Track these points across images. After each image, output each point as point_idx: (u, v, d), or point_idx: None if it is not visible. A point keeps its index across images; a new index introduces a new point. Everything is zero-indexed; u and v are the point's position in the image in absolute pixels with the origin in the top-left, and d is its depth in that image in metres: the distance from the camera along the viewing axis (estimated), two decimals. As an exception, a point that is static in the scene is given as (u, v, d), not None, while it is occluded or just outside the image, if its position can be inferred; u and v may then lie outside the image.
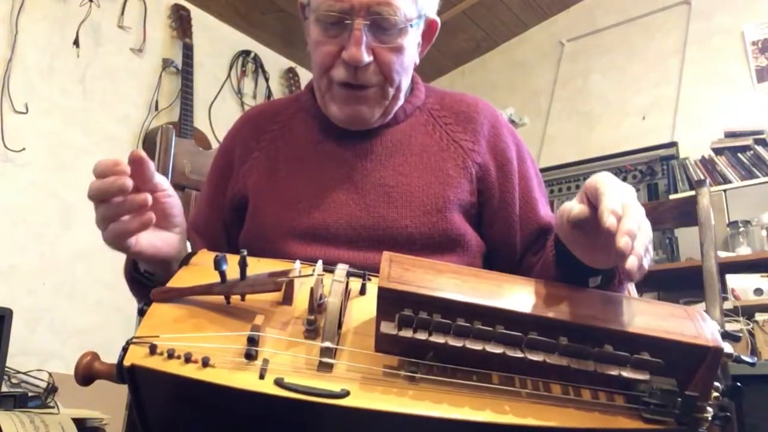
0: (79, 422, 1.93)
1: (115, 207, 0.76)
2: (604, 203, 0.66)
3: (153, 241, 0.82)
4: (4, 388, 2.07)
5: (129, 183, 0.75)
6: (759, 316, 2.34)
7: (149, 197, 0.77)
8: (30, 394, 2.17)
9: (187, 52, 3.11)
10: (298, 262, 0.78)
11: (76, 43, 2.77)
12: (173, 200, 0.84)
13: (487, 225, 1.04)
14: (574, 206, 0.72)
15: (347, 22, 0.93)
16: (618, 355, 0.64)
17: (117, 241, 0.79)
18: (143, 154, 0.78)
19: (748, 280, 2.47)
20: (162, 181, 0.81)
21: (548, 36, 3.91)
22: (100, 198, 0.76)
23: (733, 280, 2.47)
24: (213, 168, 1.14)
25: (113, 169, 0.75)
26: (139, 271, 0.91)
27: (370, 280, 0.79)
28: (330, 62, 0.97)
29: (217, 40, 3.44)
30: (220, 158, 1.13)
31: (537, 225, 1.03)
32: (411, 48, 1.00)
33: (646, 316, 0.66)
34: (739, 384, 0.64)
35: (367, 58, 0.94)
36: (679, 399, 0.62)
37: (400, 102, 1.05)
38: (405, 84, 1.03)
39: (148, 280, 0.91)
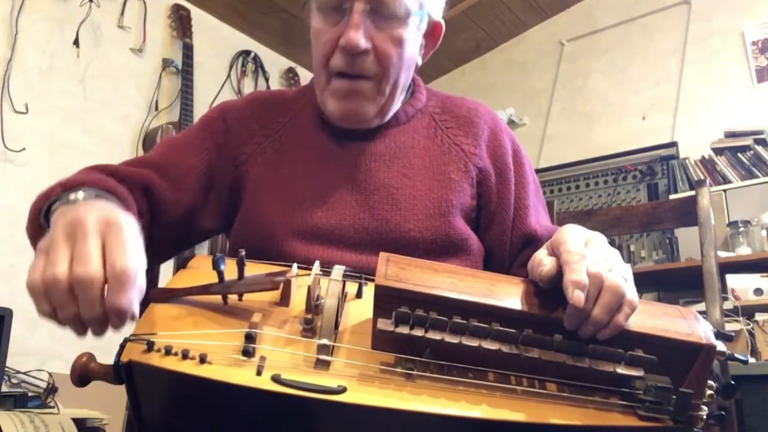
0: (79, 422, 1.92)
1: None
2: (566, 276, 0.66)
3: None
4: (4, 388, 2.07)
5: None
6: (759, 316, 2.34)
7: None
8: (30, 394, 2.16)
9: (187, 52, 3.11)
10: (295, 265, 0.78)
11: (76, 43, 2.77)
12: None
13: (482, 229, 1.03)
14: (544, 262, 0.71)
15: (346, 7, 0.93)
16: (612, 352, 0.64)
17: None
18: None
19: (748, 280, 2.47)
20: None
21: (548, 36, 3.91)
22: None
23: (733, 280, 2.47)
24: (204, 125, 1.07)
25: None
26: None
27: (366, 284, 0.79)
28: (330, 50, 0.95)
29: (217, 40, 3.44)
30: (215, 117, 1.07)
31: (523, 233, 1.01)
32: (411, 43, 0.98)
33: (639, 314, 0.67)
34: (733, 383, 0.64)
35: (364, 43, 0.92)
36: (674, 396, 0.62)
37: (397, 102, 1.03)
38: (402, 81, 1.01)
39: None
